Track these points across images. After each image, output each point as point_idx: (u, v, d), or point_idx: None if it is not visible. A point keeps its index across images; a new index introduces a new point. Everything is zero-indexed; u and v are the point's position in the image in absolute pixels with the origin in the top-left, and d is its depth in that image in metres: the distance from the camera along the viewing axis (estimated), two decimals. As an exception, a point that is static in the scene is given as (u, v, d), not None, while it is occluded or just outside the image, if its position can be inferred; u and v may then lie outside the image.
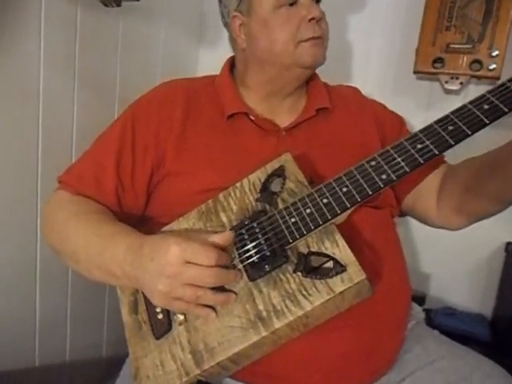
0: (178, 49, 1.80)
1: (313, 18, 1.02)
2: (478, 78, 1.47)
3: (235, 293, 0.81)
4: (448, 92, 1.57)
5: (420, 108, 1.66)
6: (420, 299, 1.54)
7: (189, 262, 0.76)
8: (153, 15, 1.58)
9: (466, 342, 1.10)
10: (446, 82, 1.49)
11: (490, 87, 1.52)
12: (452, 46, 1.45)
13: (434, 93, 1.64)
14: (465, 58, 1.44)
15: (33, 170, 1.20)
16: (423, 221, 1.20)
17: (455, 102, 1.59)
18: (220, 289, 0.80)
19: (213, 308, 0.81)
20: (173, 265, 0.76)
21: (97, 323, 1.58)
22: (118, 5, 1.24)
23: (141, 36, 1.54)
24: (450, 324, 1.56)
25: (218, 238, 0.81)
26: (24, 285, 1.25)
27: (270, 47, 1.04)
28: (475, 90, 1.58)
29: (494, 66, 1.40)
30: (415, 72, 1.54)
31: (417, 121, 1.60)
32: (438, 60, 1.47)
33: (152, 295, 0.81)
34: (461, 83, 1.47)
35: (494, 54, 1.40)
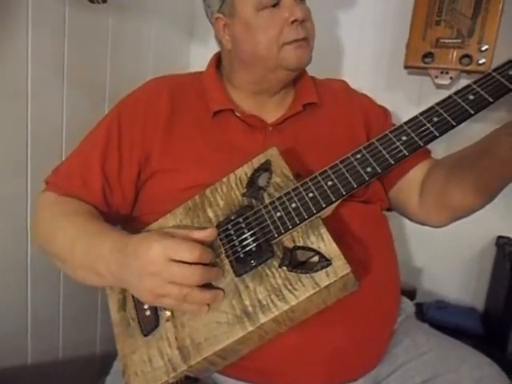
0: (169, 45, 1.80)
1: (296, 20, 1.00)
2: (468, 72, 1.47)
3: (223, 290, 0.81)
4: (439, 87, 1.57)
5: (411, 103, 1.67)
6: (411, 293, 1.55)
7: (172, 260, 0.75)
8: (142, 12, 1.57)
9: (458, 335, 1.11)
10: (436, 77, 1.49)
11: (480, 81, 1.53)
12: (442, 40, 1.45)
13: (425, 87, 1.64)
14: (454, 53, 1.45)
15: (22, 168, 1.20)
16: (406, 216, 1.19)
17: (446, 97, 1.60)
18: (207, 285, 0.80)
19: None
20: (155, 263, 0.75)
21: (90, 320, 1.58)
22: (104, 1, 1.24)
23: (131, 33, 1.54)
24: (442, 318, 1.58)
25: (201, 235, 0.81)
26: (15, 282, 1.25)
27: (253, 50, 1.03)
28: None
29: (483, 60, 1.41)
30: (405, 67, 1.54)
31: (408, 115, 1.60)
32: (428, 55, 1.48)
33: (139, 293, 0.81)
34: (451, 78, 1.48)
35: (484, 48, 1.40)
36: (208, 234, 0.82)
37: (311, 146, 1.05)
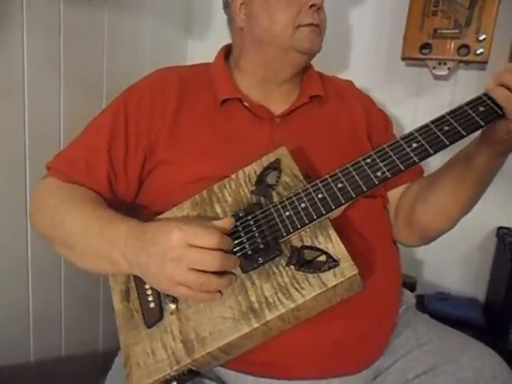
0: (167, 41, 1.79)
1: (314, 5, 1.04)
2: (466, 62, 1.47)
3: (234, 274, 0.81)
4: (437, 78, 1.57)
5: (410, 94, 1.66)
6: (411, 285, 1.55)
7: (191, 245, 0.76)
8: (139, 8, 1.56)
9: (460, 326, 1.12)
10: (434, 68, 1.49)
11: (478, 72, 1.54)
12: (439, 31, 1.45)
13: (424, 79, 1.64)
14: (452, 43, 1.45)
15: (20, 168, 1.20)
16: None
17: (445, 88, 1.61)
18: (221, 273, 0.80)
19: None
20: (175, 248, 0.75)
21: (92, 316, 1.58)
22: (99, -3, 1.24)
23: (127, 29, 1.53)
24: (443, 309, 1.58)
25: (219, 223, 0.81)
26: (16, 280, 1.25)
27: (269, 27, 1.05)
28: (464, 75, 1.58)
29: (481, 50, 1.41)
30: (403, 58, 1.54)
31: (407, 107, 1.62)
32: (426, 46, 1.48)
33: (156, 281, 0.81)
34: (448, 68, 1.48)
35: (481, 38, 1.40)
36: (227, 222, 0.82)
37: (317, 138, 1.06)
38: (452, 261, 1.70)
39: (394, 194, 1.16)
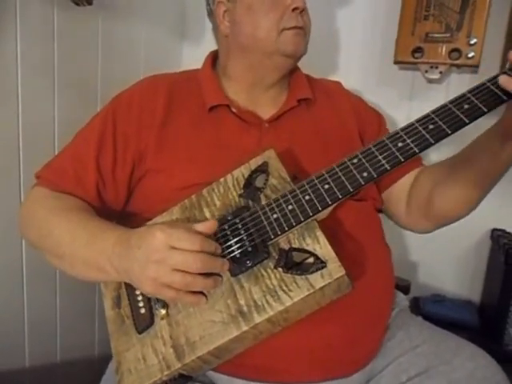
0: (161, 45, 1.79)
1: (296, 8, 1.04)
2: (458, 66, 1.48)
3: (220, 276, 0.82)
4: (430, 81, 1.58)
5: (404, 97, 1.67)
6: (405, 288, 1.55)
7: (174, 248, 0.76)
8: (133, 13, 1.57)
9: (455, 328, 1.12)
10: (426, 72, 1.50)
11: (470, 75, 1.55)
12: (431, 35, 1.46)
13: (417, 82, 1.65)
14: (444, 47, 1.45)
15: (15, 173, 1.20)
16: (393, 220, 1.22)
17: (438, 91, 1.62)
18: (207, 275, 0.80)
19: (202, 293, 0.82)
20: (158, 250, 0.76)
21: (88, 321, 1.58)
22: (89, 3, 1.24)
23: (122, 34, 1.54)
24: (438, 311, 1.58)
25: (201, 227, 0.82)
26: (10, 284, 1.25)
27: (253, 33, 1.05)
28: (457, 79, 1.59)
29: (472, 53, 1.41)
30: (395, 62, 1.54)
31: (401, 110, 1.62)
32: (418, 50, 1.48)
33: (141, 283, 0.80)
34: (440, 72, 1.48)
35: (473, 42, 1.41)
36: (209, 225, 0.82)
37: (306, 142, 1.06)
38: (447, 263, 1.70)
39: (402, 185, 1.15)
